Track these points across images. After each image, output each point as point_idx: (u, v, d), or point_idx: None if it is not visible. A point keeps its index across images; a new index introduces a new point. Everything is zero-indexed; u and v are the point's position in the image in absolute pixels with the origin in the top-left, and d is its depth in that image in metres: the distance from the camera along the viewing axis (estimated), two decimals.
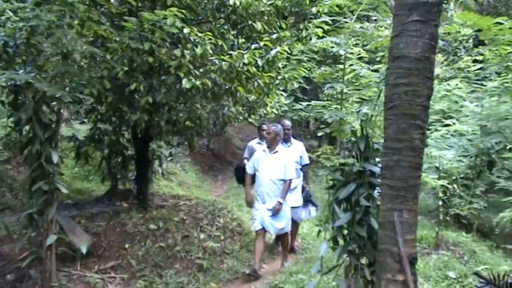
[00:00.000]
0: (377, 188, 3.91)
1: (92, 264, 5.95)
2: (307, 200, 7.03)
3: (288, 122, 7.11)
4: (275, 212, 6.09)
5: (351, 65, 4.50)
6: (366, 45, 4.97)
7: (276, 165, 6.18)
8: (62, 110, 5.31)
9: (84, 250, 5.68)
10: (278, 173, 6.17)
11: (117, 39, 5.46)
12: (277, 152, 6.27)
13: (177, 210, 7.37)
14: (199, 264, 6.19)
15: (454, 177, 7.49)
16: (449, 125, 7.76)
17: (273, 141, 6.36)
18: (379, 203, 3.57)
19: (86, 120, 7.19)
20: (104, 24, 5.59)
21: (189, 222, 7.07)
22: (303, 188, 7.04)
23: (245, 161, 7.42)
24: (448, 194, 7.70)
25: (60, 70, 5.01)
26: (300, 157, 6.98)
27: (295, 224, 6.99)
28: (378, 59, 5.91)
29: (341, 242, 4.11)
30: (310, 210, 7.13)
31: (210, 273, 6.22)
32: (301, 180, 7.03)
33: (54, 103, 5.15)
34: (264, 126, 7.42)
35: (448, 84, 9.18)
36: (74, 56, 5.14)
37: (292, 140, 7.07)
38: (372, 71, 4.42)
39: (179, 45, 5.76)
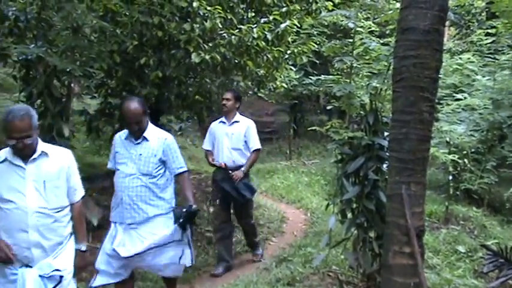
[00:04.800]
0: (386, 161, 3.93)
1: (103, 237, 6.04)
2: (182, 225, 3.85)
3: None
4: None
5: (361, 38, 4.47)
6: (377, 18, 4.93)
7: (45, 180, 3.05)
8: (72, 84, 5.36)
9: (95, 222, 5.75)
10: (48, 200, 3.05)
11: (127, 13, 5.46)
12: (45, 154, 3.09)
13: None
14: (208, 237, 6.25)
15: (464, 152, 7.45)
16: (460, 99, 7.69)
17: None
18: (387, 176, 3.59)
19: (96, 94, 7.21)
20: None
21: (199, 196, 7.14)
22: (178, 216, 3.84)
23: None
24: (458, 168, 7.67)
25: (71, 44, 5.04)
26: (161, 161, 3.96)
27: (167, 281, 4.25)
28: (388, 32, 5.85)
29: (349, 215, 4.15)
30: (184, 251, 3.95)
31: None
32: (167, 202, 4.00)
33: (64, 77, 5.20)
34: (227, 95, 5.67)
35: (460, 58, 9.06)
36: (84, 30, 5.16)
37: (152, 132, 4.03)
38: (382, 44, 4.39)
39: (188, 19, 5.73)
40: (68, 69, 4.95)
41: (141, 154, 3.91)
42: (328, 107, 6.43)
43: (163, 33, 5.65)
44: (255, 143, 5.58)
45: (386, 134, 3.94)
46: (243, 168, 5.44)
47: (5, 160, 3.00)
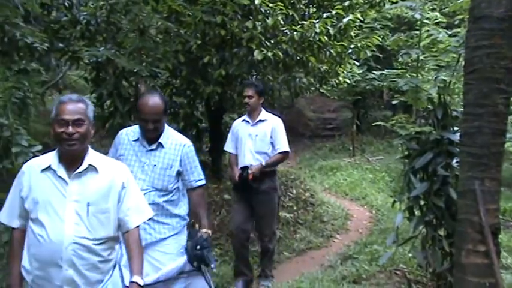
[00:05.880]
0: (455, 156, 3.78)
1: None
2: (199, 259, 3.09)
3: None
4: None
5: (427, 30, 4.32)
6: (444, 8, 4.77)
7: (90, 202, 2.35)
8: (139, 85, 5.52)
9: None
10: (91, 229, 2.34)
11: (191, 13, 5.57)
12: (93, 169, 2.40)
13: None
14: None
15: None
16: None
17: None
18: (457, 172, 3.46)
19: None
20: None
21: None
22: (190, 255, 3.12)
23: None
24: None
25: (138, 45, 5.20)
26: (178, 172, 3.28)
27: None
28: (456, 22, 5.62)
29: (417, 212, 4.03)
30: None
31: (283, 243, 6.30)
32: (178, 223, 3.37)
33: (132, 78, 5.36)
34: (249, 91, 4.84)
35: None
36: (150, 31, 5.32)
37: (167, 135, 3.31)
38: (450, 35, 4.23)
39: (250, 17, 5.78)
40: (135, 70, 5.11)
41: (155, 165, 3.21)
42: (394, 102, 6.25)
43: (226, 32, 5.73)
44: (282, 145, 4.81)
45: (455, 128, 3.81)
46: (263, 163, 4.71)
47: (48, 168, 2.31)
